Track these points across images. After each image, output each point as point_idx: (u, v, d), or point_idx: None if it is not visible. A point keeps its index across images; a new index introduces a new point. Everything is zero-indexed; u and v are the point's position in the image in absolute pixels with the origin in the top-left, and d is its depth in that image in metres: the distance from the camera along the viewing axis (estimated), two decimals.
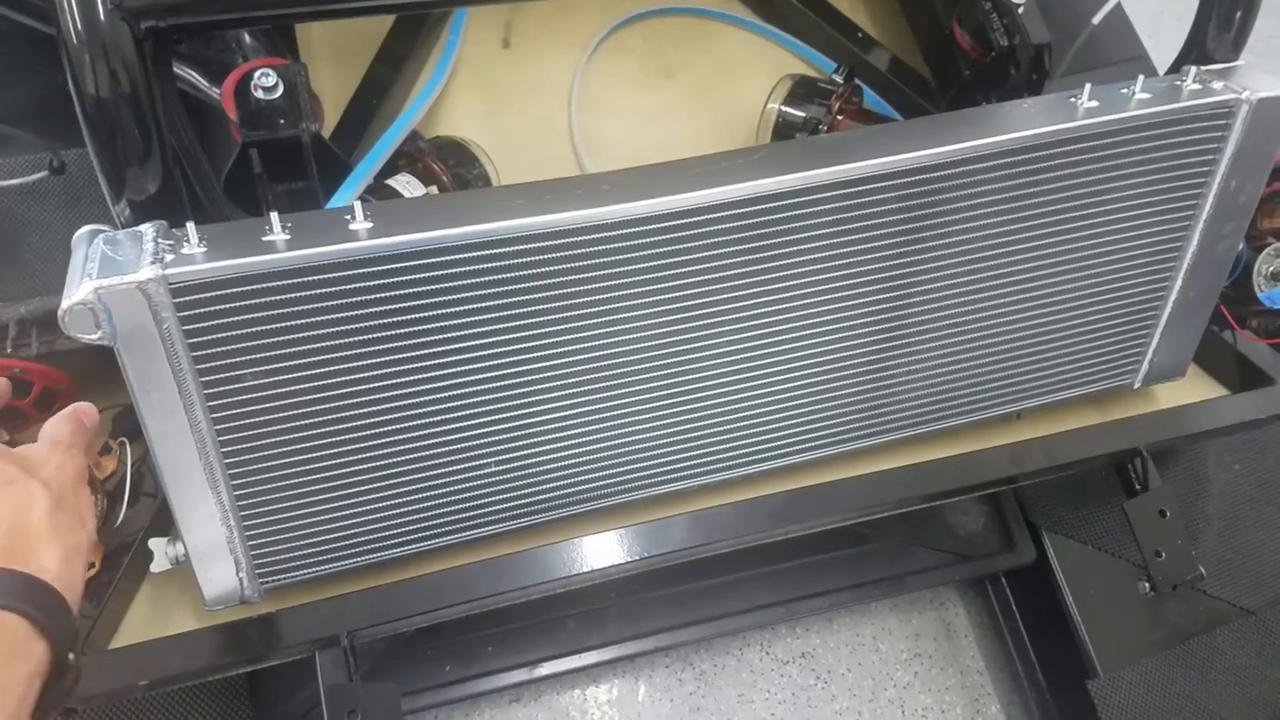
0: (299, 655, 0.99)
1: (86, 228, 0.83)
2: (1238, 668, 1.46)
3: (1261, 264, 1.25)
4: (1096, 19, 1.43)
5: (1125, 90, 1.02)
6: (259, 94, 1.00)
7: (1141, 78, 1.02)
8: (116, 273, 0.77)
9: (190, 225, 0.80)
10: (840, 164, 0.92)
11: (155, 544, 0.94)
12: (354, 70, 1.26)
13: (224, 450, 0.87)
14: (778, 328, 1.01)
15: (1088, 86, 1.00)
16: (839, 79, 1.23)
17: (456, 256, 0.84)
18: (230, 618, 0.97)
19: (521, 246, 0.86)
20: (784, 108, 1.24)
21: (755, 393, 1.05)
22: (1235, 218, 1.11)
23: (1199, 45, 1.12)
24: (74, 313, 0.76)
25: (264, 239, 0.81)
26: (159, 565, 0.94)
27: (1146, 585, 1.19)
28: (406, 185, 1.09)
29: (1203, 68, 1.06)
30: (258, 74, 1.00)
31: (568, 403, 0.97)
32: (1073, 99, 1.01)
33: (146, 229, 0.81)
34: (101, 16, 0.79)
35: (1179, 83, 1.04)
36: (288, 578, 0.97)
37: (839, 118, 1.22)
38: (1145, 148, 1.03)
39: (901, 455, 1.16)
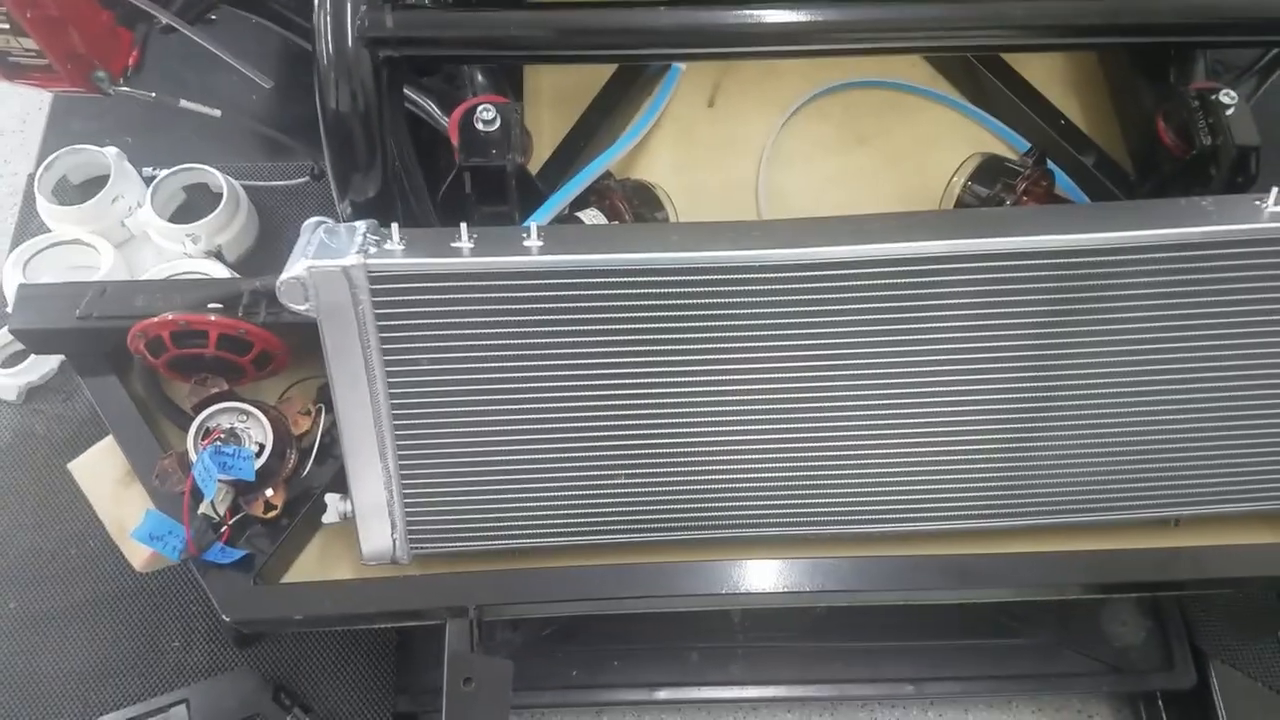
0: (432, 620, 1.10)
1: (314, 219, 0.99)
2: None
3: None
4: None
5: None
6: (479, 125, 1.14)
7: None
8: (328, 256, 0.91)
9: (394, 226, 0.94)
10: (986, 237, 0.95)
11: (330, 498, 1.08)
12: (572, 114, 1.40)
13: (395, 423, 1.00)
14: (913, 391, 1.03)
15: (1275, 190, 0.98)
16: (1029, 161, 1.25)
17: (609, 280, 0.94)
18: (380, 574, 1.10)
19: (668, 278, 0.94)
20: (969, 183, 1.27)
21: (884, 451, 1.07)
22: None
23: None
24: (288, 284, 0.91)
25: (452, 244, 0.94)
26: (330, 518, 1.08)
27: None
28: (592, 218, 1.21)
29: None
30: (480, 108, 1.14)
31: (693, 429, 1.03)
32: (1258, 201, 0.99)
33: (360, 225, 0.95)
34: (349, 43, 0.95)
35: None
36: (434, 547, 1.08)
37: (1024, 199, 1.24)
38: None
39: (1043, 543, 1.14)
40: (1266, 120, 1.37)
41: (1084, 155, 1.33)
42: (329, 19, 0.94)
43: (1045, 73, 1.44)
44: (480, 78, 1.23)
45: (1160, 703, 1.52)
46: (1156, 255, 0.97)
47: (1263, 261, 0.98)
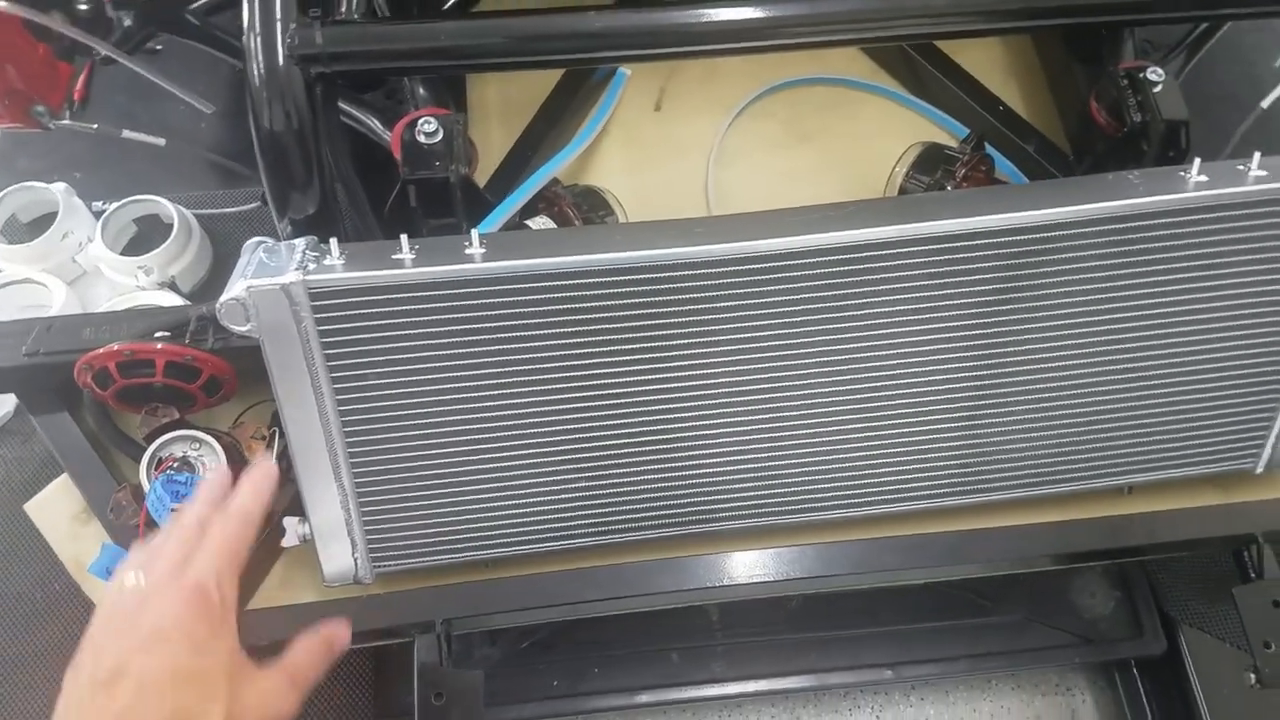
0: (400, 638, 1.08)
1: (255, 239, 0.98)
2: None
3: None
4: (1266, 102, 1.38)
5: (1241, 167, 1.00)
6: (421, 138, 1.13)
7: (1258, 155, 0.99)
8: (267, 275, 0.90)
9: (333, 241, 0.92)
10: (925, 221, 0.95)
11: (288, 521, 1.06)
12: (520, 125, 1.39)
13: (348, 441, 0.98)
14: (863, 377, 1.03)
15: (1197, 161, 0.99)
16: (967, 147, 1.25)
17: (553, 283, 0.93)
18: (343, 595, 1.08)
19: (613, 278, 0.93)
20: (910, 173, 1.27)
21: (841, 439, 1.06)
22: None
23: None
24: (228, 306, 0.89)
25: (393, 256, 0.92)
26: (289, 541, 1.05)
27: (1253, 677, 1.12)
28: (541, 225, 1.20)
29: None
30: (421, 121, 1.13)
31: (650, 429, 1.02)
32: (1183, 172, 0.99)
33: (299, 242, 0.94)
34: (279, 62, 0.93)
35: None
36: (397, 564, 1.06)
37: (963, 184, 1.24)
38: (1260, 224, 0.99)
39: (999, 518, 1.15)
40: (1198, 95, 1.39)
41: (1023, 139, 1.34)
42: (258, 39, 0.93)
43: (983, 61, 1.45)
44: (421, 91, 1.22)
45: (1135, 670, 1.53)
46: (1088, 230, 0.97)
47: (1190, 230, 0.99)
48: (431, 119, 1.12)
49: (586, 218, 1.23)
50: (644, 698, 1.44)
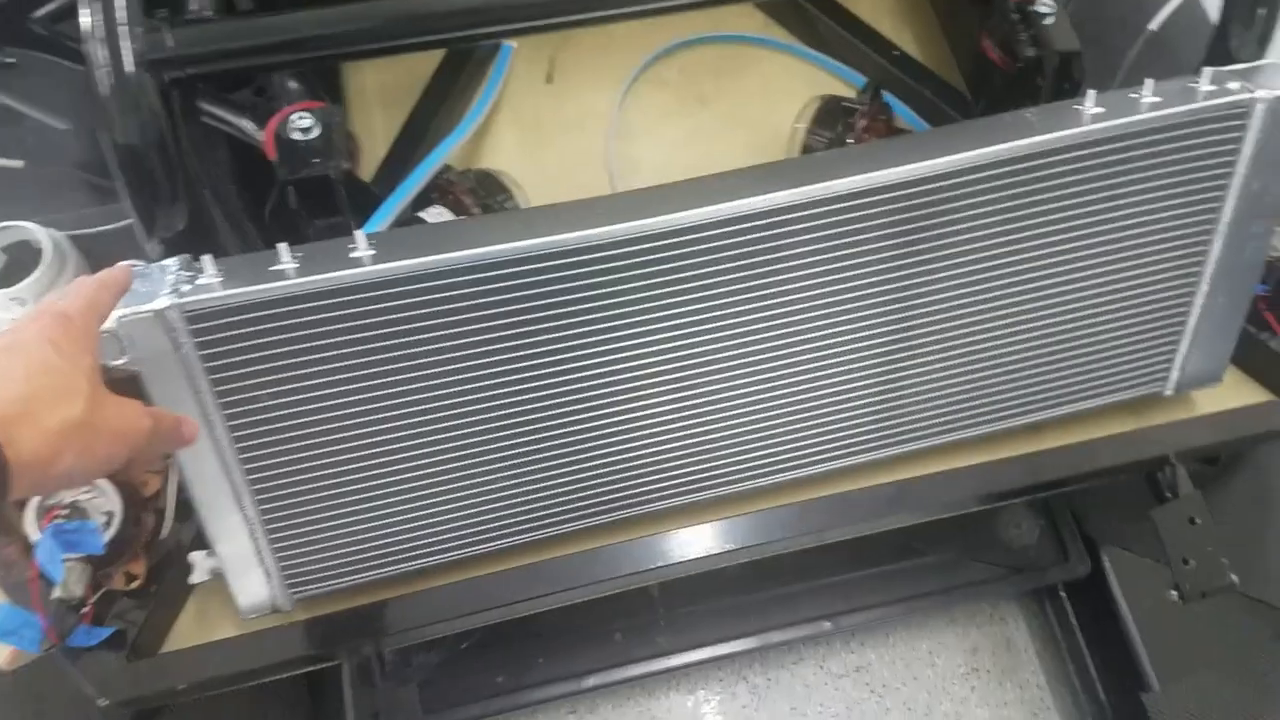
0: (329, 662, 1.01)
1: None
2: None
3: None
4: (1154, 24, 1.36)
5: (1134, 95, 0.97)
6: (296, 135, 1.04)
7: (1150, 81, 0.97)
8: (138, 302, 0.81)
9: (207, 258, 0.84)
10: (827, 180, 0.90)
11: (195, 556, 0.98)
12: (404, 110, 1.30)
13: (247, 468, 0.90)
14: (780, 342, 0.99)
15: (1091, 93, 0.96)
16: (866, 97, 1.21)
17: (448, 280, 0.86)
18: (264, 625, 1.00)
19: (513, 269, 0.87)
20: (810, 129, 1.22)
21: (764, 405, 1.03)
22: (1262, 219, 1.04)
23: (1223, 45, 1.05)
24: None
25: (273, 268, 0.84)
26: (198, 576, 0.98)
27: (1175, 594, 1.12)
28: (436, 216, 1.12)
29: (1223, 68, 1.00)
30: (294, 117, 1.04)
31: (570, 419, 0.97)
32: (1077, 106, 0.97)
33: (171, 262, 0.85)
34: (128, 70, 0.84)
35: (1193, 84, 0.98)
36: (317, 588, 0.99)
37: (865, 135, 1.20)
38: (1157, 151, 0.97)
39: (924, 466, 1.13)
40: (1091, 22, 1.36)
41: (920, 84, 1.30)
42: (102, 46, 0.82)
43: (875, 7, 1.40)
44: (292, 85, 1.13)
45: (1063, 594, 1.54)
46: (989, 173, 0.94)
47: (1091, 163, 0.96)
48: (305, 113, 1.04)
49: (484, 204, 1.15)
50: (592, 681, 1.41)
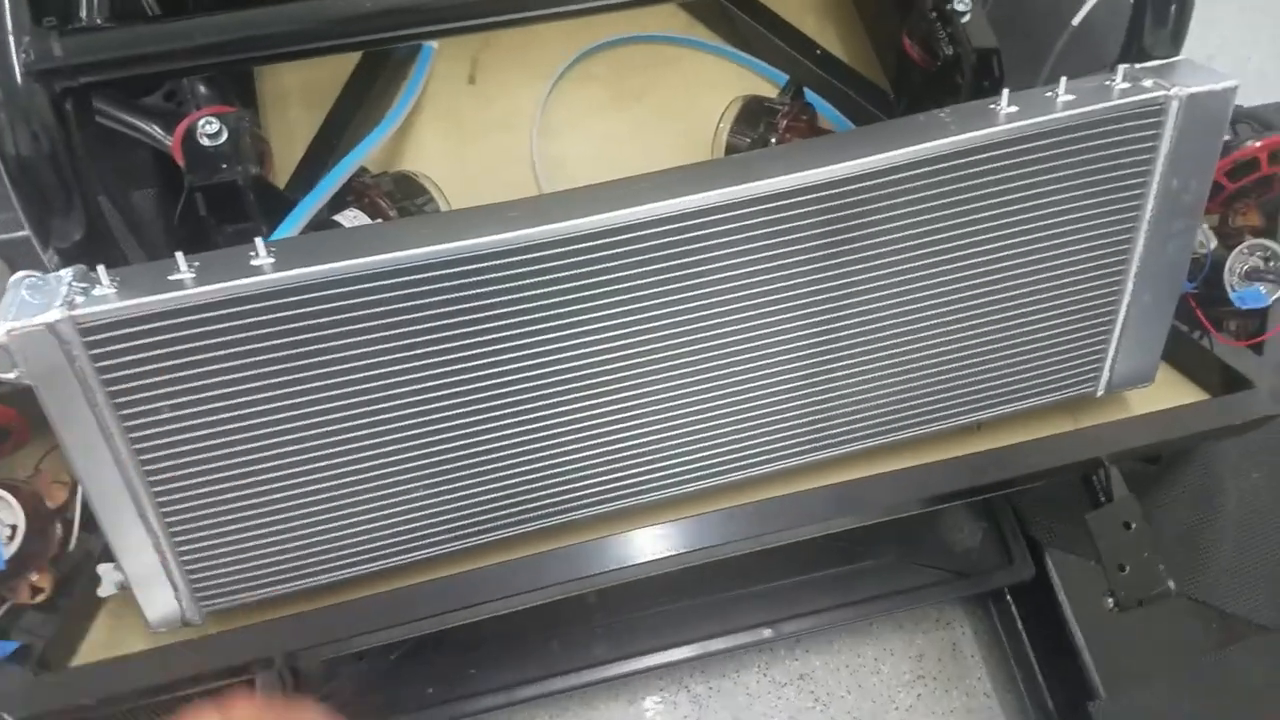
0: (240, 677, 1.02)
1: (21, 273, 0.89)
2: (1253, 688, 1.38)
3: (1234, 263, 1.20)
4: (1076, 20, 1.39)
5: (1049, 93, 1.00)
6: (204, 141, 1.05)
7: (1064, 79, 0.99)
8: (29, 314, 0.81)
9: (101, 268, 0.84)
10: (747, 182, 0.92)
11: (104, 569, 0.98)
12: (324, 112, 1.31)
13: (150, 481, 0.91)
14: (706, 343, 1.00)
15: (1005, 92, 0.98)
16: (787, 97, 1.23)
17: (352, 288, 0.87)
18: (174, 639, 1.01)
19: (420, 275, 0.88)
20: (733, 129, 1.24)
21: (693, 409, 1.04)
22: (1183, 216, 1.06)
23: (1137, 42, 1.08)
24: None
25: (170, 278, 0.85)
26: (106, 590, 0.98)
27: (1110, 600, 1.15)
28: (352, 220, 1.13)
29: (1138, 65, 1.03)
30: (202, 122, 1.04)
31: (487, 427, 0.98)
32: (992, 105, 0.99)
33: (66, 273, 0.85)
34: (16, 80, 0.84)
35: (1108, 82, 1.01)
36: (227, 601, 1.00)
37: (786, 136, 1.22)
38: (1073, 150, 0.99)
39: (861, 469, 1.14)
40: (1020, 16, 1.39)
41: (843, 83, 1.33)
42: None
43: (799, 6, 1.42)
44: (203, 89, 1.13)
45: (1009, 598, 1.57)
46: (907, 174, 0.96)
47: (1008, 163, 0.98)
48: (213, 119, 1.04)
49: (402, 207, 1.16)
50: (528, 691, 1.42)
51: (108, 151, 1.07)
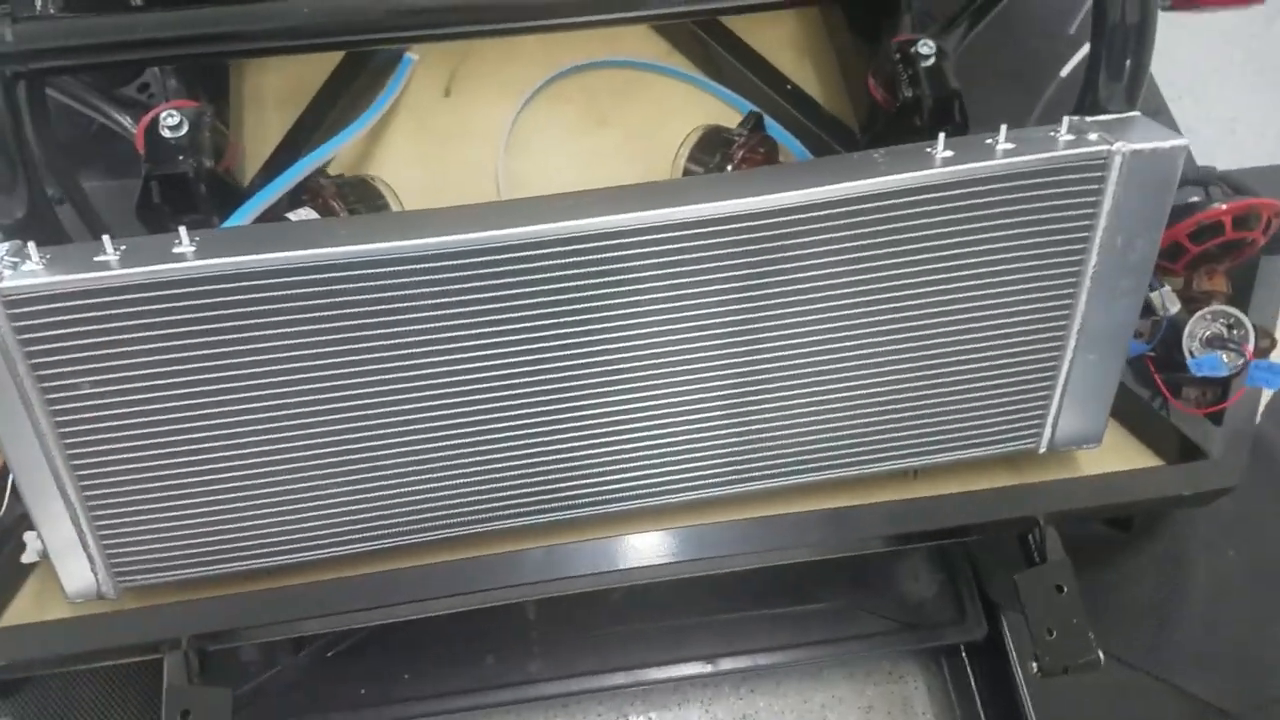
0: (149, 655, 1.07)
1: None
2: None
3: (1194, 327, 1.19)
4: (1065, 71, 1.41)
5: (989, 140, 1.01)
6: (165, 132, 1.12)
7: (1005, 127, 1.01)
8: None
9: (31, 245, 0.90)
10: (662, 208, 0.96)
11: (29, 536, 1.05)
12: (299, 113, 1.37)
13: (69, 454, 0.96)
14: (623, 367, 1.03)
15: (941, 136, 1.00)
16: (745, 129, 1.26)
17: (268, 281, 0.92)
18: (92, 610, 1.06)
19: (329, 275, 0.92)
20: (690, 157, 1.27)
21: (612, 429, 1.07)
22: (1130, 275, 1.06)
23: (1092, 94, 1.10)
24: None
25: (97, 259, 0.91)
26: (29, 556, 1.05)
27: (1034, 665, 1.14)
28: (303, 218, 1.18)
29: (1087, 118, 1.04)
30: (164, 115, 1.11)
31: (397, 427, 1.02)
32: (929, 149, 1.01)
33: (1, 248, 0.92)
34: None
35: (1053, 133, 1.02)
36: (142, 579, 1.05)
37: (741, 166, 1.24)
38: (1011, 199, 1.01)
39: (785, 505, 1.16)
40: (1012, 61, 1.41)
41: (810, 119, 1.36)
42: None
43: (776, 41, 1.46)
44: (173, 82, 1.20)
45: (964, 655, 1.56)
46: (829, 211, 0.98)
47: (941, 207, 1.00)
48: (174, 112, 1.11)
49: (354, 209, 1.21)
50: (459, 702, 1.45)
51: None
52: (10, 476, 1.06)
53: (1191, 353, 1.20)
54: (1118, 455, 1.23)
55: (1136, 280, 1.08)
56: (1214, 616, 1.47)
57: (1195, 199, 1.20)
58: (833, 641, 1.51)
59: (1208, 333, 1.20)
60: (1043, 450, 1.18)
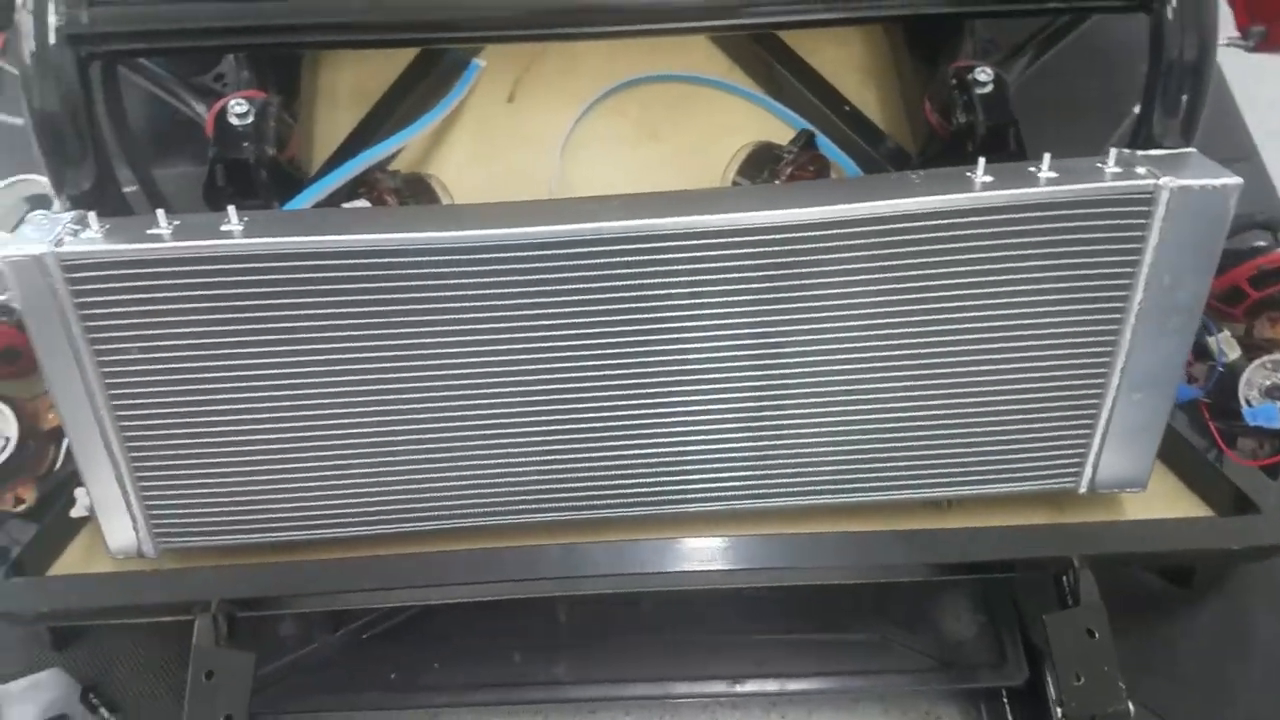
0: (180, 615, 1.14)
1: (39, 211, 1.04)
2: None
3: (1252, 375, 1.16)
4: (1138, 108, 1.39)
5: (1032, 169, 1.01)
6: (233, 120, 1.20)
7: (1048, 156, 1.01)
8: (22, 246, 0.96)
9: (92, 214, 0.98)
10: (688, 215, 0.99)
11: (79, 492, 1.13)
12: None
13: (117, 416, 1.04)
14: (646, 369, 1.07)
15: (982, 161, 1.01)
16: (795, 146, 1.28)
17: (305, 263, 0.98)
18: (133, 568, 1.14)
19: (362, 260, 0.98)
20: (739, 172, 1.30)
21: (629, 434, 1.10)
22: (1179, 315, 1.05)
23: (1146, 128, 1.08)
24: None
25: (149, 231, 0.98)
26: (78, 511, 1.13)
27: (1059, 710, 1.12)
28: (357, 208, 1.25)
29: (1134, 151, 1.03)
30: (233, 103, 1.20)
31: (427, 412, 1.07)
32: (969, 173, 1.01)
33: (65, 215, 1.00)
34: (50, 42, 1.00)
35: (1100, 164, 1.02)
36: (181, 541, 1.12)
37: (790, 182, 1.26)
38: (1052, 229, 1.01)
39: (809, 524, 1.17)
40: (1081, 95, 1.39)
41: (867, 140, 1.36)
42: (30, 17, 1.00)
43: (840, 62, 1.48)
44: (245, 73, 1.29)
45: (1005, 699, 1.53)
46: (859, 229, 0.99)
47: (978, 233, 1.00)
48: (243, 101, 1.19)
49: (405, 204, 1.28)
50: (485, 696, 1.48)
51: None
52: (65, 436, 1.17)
53: (1248, 401, 1.17)
54: (1165, 503, 1.21)
55: (1185, 320, 1.06)
56: (1274, 685, 1.41)
57: (1262, 243, 1.17)
58: (868, 673, 1.49)
59: (1267, 382, 1.17)
60: (1083, 490, 1.16)
